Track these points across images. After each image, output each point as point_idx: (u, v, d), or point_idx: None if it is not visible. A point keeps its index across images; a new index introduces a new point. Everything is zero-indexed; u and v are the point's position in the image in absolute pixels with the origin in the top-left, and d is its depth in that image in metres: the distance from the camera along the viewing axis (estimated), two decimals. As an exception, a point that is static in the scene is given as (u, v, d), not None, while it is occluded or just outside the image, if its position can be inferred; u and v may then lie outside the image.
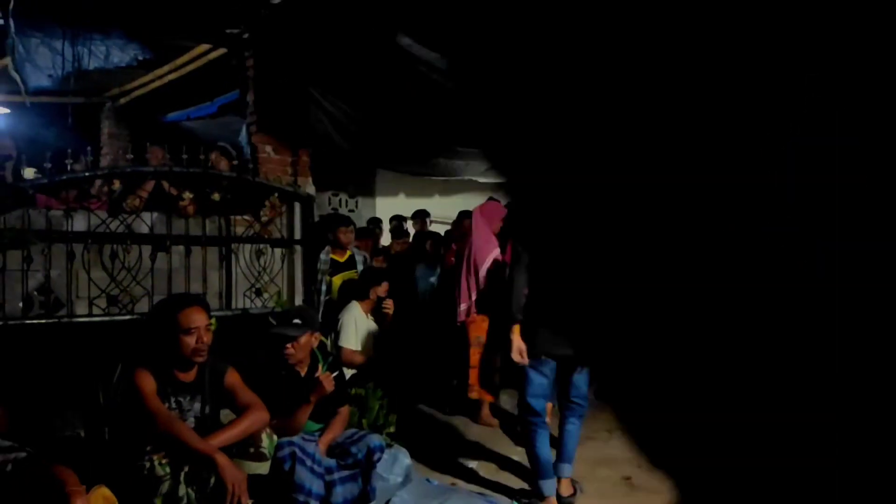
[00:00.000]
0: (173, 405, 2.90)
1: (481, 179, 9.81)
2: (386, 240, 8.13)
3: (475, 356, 5.02)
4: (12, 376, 3.06)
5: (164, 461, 2.69)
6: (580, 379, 3.79)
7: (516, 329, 3.64)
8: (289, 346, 3.32)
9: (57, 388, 3.27)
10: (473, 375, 5.03)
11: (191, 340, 2.87)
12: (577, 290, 3.67)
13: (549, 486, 3.64)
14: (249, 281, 4.66)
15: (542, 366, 3.68)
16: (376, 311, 5.17)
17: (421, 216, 7.96)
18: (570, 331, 3.67)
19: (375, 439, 3.34)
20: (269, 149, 5.72)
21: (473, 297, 5.04)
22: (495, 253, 5.06)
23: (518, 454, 4.36)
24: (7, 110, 7.66)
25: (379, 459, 3.27)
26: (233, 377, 3.06)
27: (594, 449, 4.49)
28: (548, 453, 3.67)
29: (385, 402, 4.02)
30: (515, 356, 3.66)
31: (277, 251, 4.95)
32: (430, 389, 5.57)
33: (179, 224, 4.49)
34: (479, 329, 5.04)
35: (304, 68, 5.95)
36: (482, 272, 5.00)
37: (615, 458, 4.43)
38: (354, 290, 5.22)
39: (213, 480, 2.71)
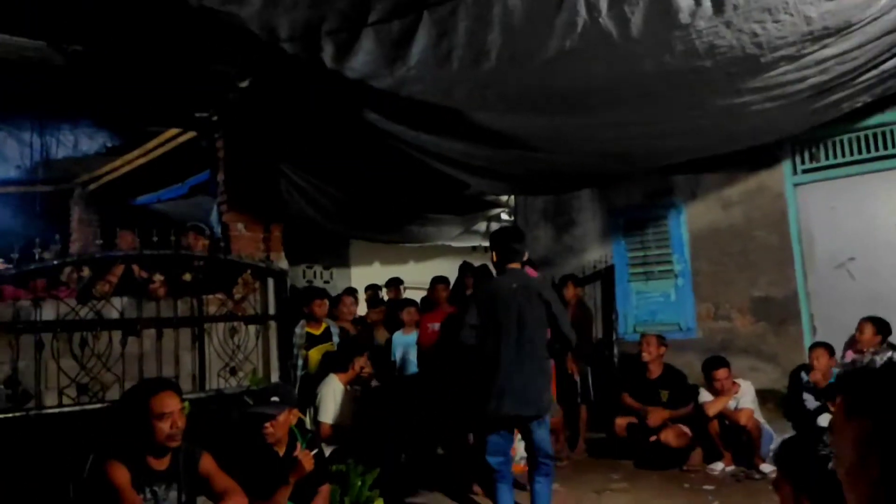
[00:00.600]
0: (148, 495, 2.81)
1: (454, 244, 9.90)
2: (362, 309, 8.09)
3: None
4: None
5: (139, 557, 2.60)
6: (542, 438, 3.91)
7: None
8: (267, 425, 3.26)
9: (25, 483, 3.16)
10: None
11: (164, 426, 2.81)
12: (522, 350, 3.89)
13: None
14: (224, 360, 4.59)
15: (498, 426, 3.91)
16: (356, 383, 5.11)
17: (395, 284, 7.99)
18: (522, 389, 3.85)
19: (358, 517, 3.26)
20: (240, 226, 5.73)
21: None
22: None
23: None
24: (-26, 201, 7.62)
25: (361, 539, 3.19)
26: (208, 462, 2.98)
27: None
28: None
29: (367, 478, 3.93)
30: None
31: (251, 328, 4.90)
32: (416, 461, 5.45)
33: (150, 307, 4.44)
34: None
35: (274, 145, 6.04)
36: None
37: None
38: (334, 362, 5.17)
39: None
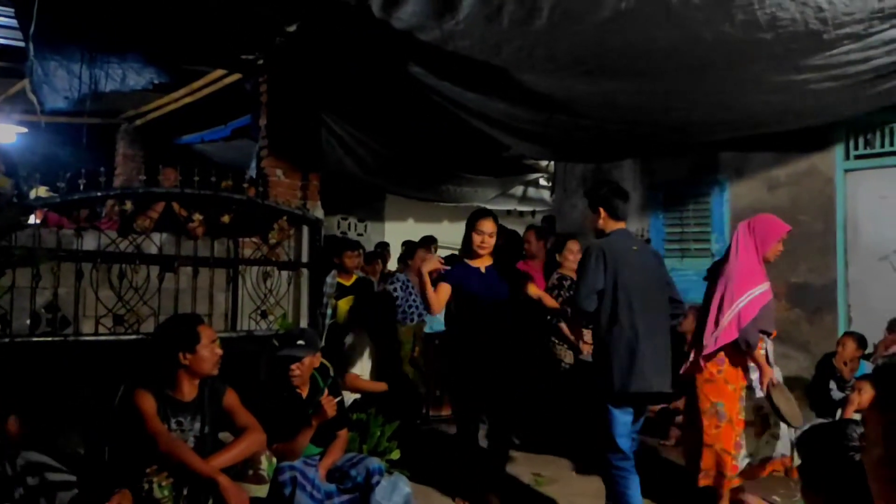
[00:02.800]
0: (174, 425, 2.90)
1: (489, 207, 9.84)
2: (393, 264, 8.14)
3: (710, 429, 3.84)
4: (16, 392, 3.07)
5: (164, 483, 2.70)
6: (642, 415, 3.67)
7: None
8: (294, 367, 3.33)
9: (60, 406, 3.28)
10: (708, 458, 3.83)
11: (211, 353, 2.96)
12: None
13: None
14: (255, 303, 4.67)
15: (628, 403, 3.48)
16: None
17: (428, 242, 7.97)
18: (655, 361, 3.48)
19: (374, 462, 3.33)
20: (279, 172, 5.77)
21: (714, 343, 3.87)
22: (759, 290, 3.96)
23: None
24: (25, 130, 7.79)
25: (378, 483, 3.24)
26: (232, 398, 3.07)
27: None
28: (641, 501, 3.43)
29: (387, 429, 4.00)
30: None
31: (284, 274, 4.96)
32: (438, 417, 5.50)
33: (188, 245, 4.52)
34: (718, 391, 3.87)
35: (317, 93, 6.03)
36: (728, 314, 3.89)
37: None
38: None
39: (211, 503, 2.71)
